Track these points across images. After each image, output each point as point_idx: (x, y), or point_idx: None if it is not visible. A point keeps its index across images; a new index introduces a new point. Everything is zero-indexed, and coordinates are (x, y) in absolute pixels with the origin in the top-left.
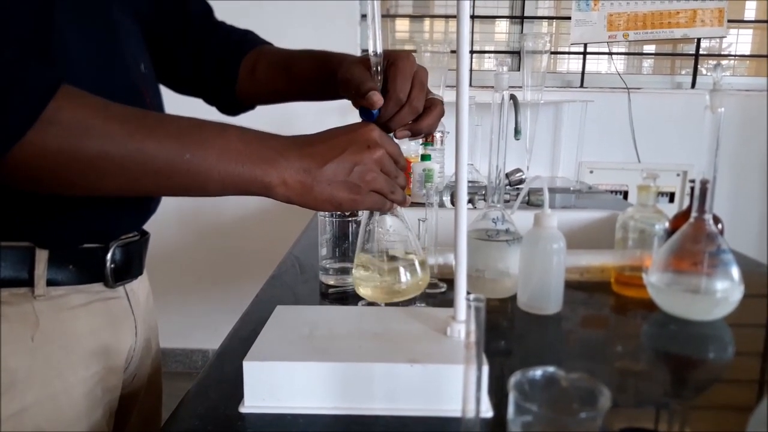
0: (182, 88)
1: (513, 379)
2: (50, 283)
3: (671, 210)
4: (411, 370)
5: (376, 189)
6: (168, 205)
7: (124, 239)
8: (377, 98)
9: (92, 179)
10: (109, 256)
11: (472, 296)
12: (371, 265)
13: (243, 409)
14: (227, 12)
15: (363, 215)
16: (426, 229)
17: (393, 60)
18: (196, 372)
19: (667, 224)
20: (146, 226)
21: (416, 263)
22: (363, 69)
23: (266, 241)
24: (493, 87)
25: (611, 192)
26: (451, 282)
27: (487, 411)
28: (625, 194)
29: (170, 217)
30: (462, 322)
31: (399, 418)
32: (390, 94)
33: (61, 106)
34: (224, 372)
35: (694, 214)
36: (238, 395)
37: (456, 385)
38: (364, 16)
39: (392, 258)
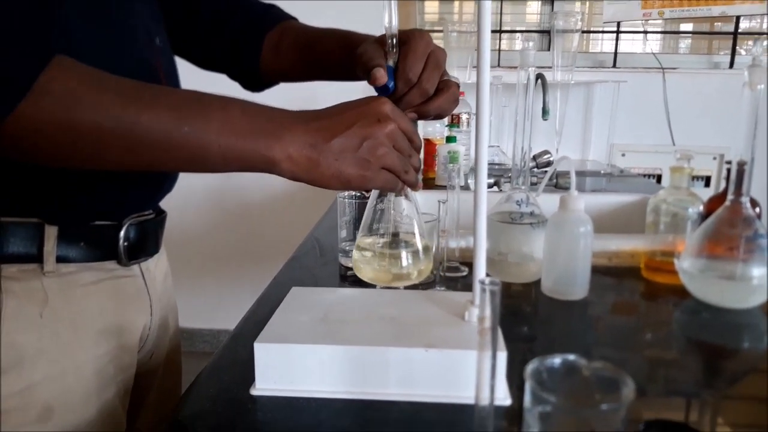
0: (204, 62)
1: (530, 367)
2: (60, 259)
3: (707, 195)
4: (427, 355)
5: (387, 166)
6: (194, 185)
7: (138, 217)
8: (380, 75)
9: (88, 151)
10: (122, 233)
11: (486, 279)
12: (373, 248)
13: (254, 392)
14: None
15: (372, 194)
16: (446, 211)
17: (407, 38)
18: None
19: (701, 207)
20: (172, 207)
21: (420, 249)
22: (377, 47)
23: (292, 222)
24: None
25: (644, 176)
26: (472, 265)
27: (504, 399)
28: (659, 178)
29: (197, 198)
30: None
31: (414, 404)
32: (400, 73)
33: (53, 77)
34: (238, 354)
35: (730, 196)
36: (251, 378)
37: (473, 371)
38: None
39: (395, 242)
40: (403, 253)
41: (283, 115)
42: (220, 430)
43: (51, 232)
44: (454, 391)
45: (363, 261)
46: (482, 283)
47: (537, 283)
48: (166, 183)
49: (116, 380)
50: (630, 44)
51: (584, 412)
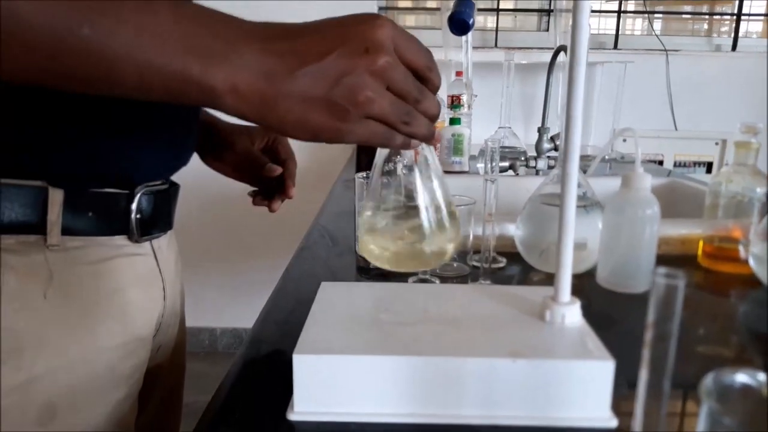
0: None
1: (706, 384)
2: (66, 231)
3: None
4: (513, 367)
5: (374, 115)
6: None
7: (152, 186)
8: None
9: None
10: (134, 205)
11: (661, 269)
12: (385, 221)
13: (293, 416)
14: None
15: (379, 152)
16: (495, 194)
17: None
18: (203, 352)
19: None
20: None
21: (445, 216)
22: None
23: (285, 210)
24: (525, 48)
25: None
26: (510, 256)
27: (609, 419)
28: (660, 164)
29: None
30: (565, 304)
31: (497, 429)
32: None
33: None
34: (259, 364)
35: None
36: (282, 394)
37: (573, 385)
38: (380, 9)
39: (412, 210)
40: (428, 223)
41: (231, 27)
42: None
43: (56, 197)
44: (545, 412)
45: (373, 239)
46: (658, 275)
47: (591, 274)
48: (184, 149)
49: (129, 378)
50: (631, 24)
51: None
